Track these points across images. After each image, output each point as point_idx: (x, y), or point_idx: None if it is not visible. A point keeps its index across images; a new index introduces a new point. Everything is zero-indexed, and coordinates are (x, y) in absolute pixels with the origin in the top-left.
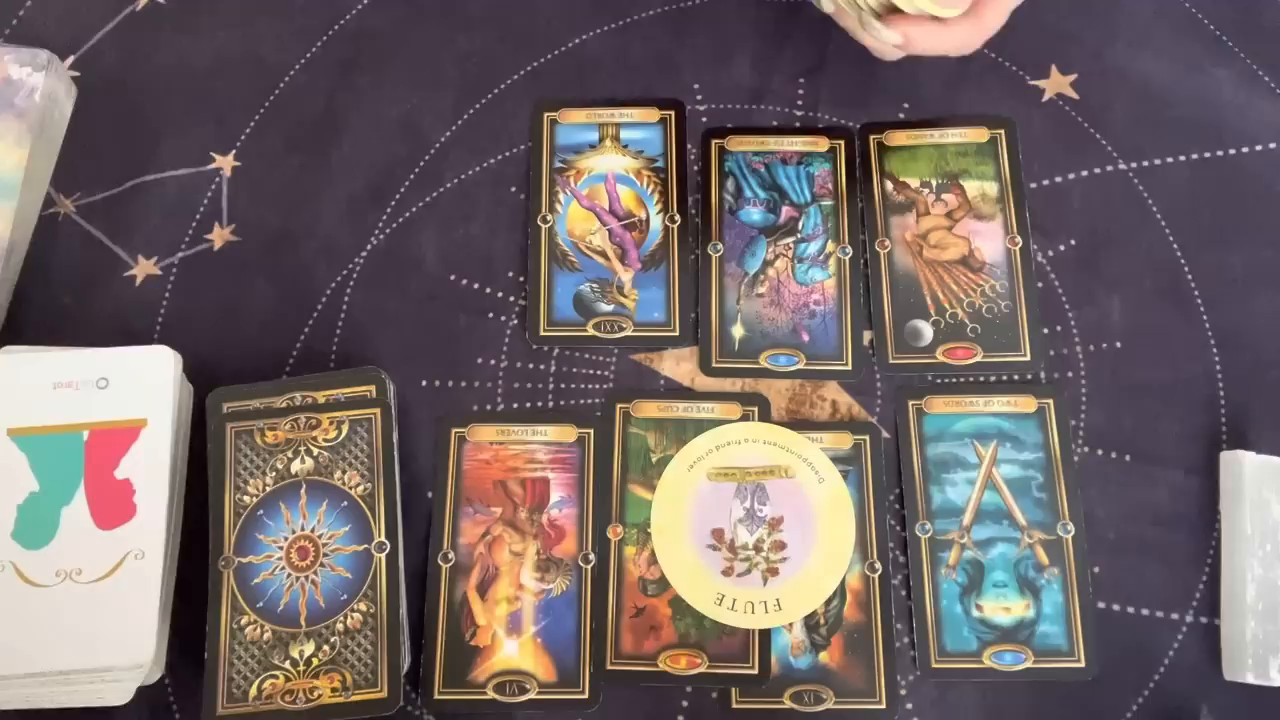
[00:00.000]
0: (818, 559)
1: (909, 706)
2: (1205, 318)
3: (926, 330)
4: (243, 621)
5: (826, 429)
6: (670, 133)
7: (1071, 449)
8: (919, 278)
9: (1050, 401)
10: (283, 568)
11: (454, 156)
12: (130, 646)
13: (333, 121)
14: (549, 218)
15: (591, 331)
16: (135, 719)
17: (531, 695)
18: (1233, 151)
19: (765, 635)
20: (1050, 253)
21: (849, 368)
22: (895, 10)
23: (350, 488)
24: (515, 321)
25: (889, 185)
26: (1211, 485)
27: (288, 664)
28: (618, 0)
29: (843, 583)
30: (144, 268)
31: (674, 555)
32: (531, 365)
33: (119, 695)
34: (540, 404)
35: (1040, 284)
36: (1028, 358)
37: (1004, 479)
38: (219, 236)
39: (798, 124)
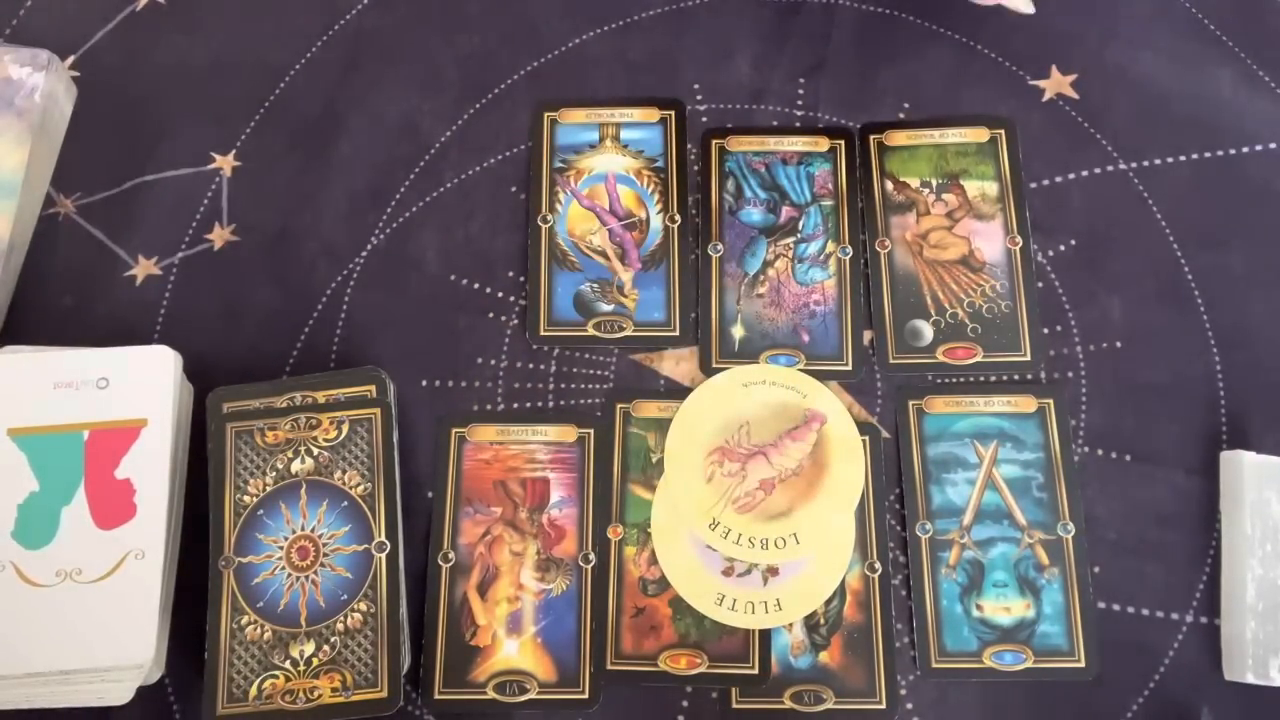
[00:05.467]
0: (818, 559)
1: (909, 706)
2: (1205, 318)
3: (927, 330)
4: (243, 621)
5: None
6: (670, 133)
7: (1071, 449)
8: (919, 278)
9: (1050, 401)
10: (283, 568)
11: (454, 156)
12: (130, 646)
13: (333, 121)
14: (549, 218)
15: (591, 331)
16: (135, 719)
17: (531, 695)
18: (1233, 151)
19: (765, 635)
20: (1050, 253)
21: (849, 368)
22: None
23: (350, 488)
24: (515, 321)
25: (889, 185)
26: (1211, 485)
27: (288, 664)
28: (618, 0)
29: (843, 583)
30: (144, 268)
31: (674, 555)
32: (531, 365)
33: (119, 695)
34: (540, 404)
35: (1040, 284)
36: (1028, 358)
37: (1004, 479)
38: (219, 236)
39: (798, 124)
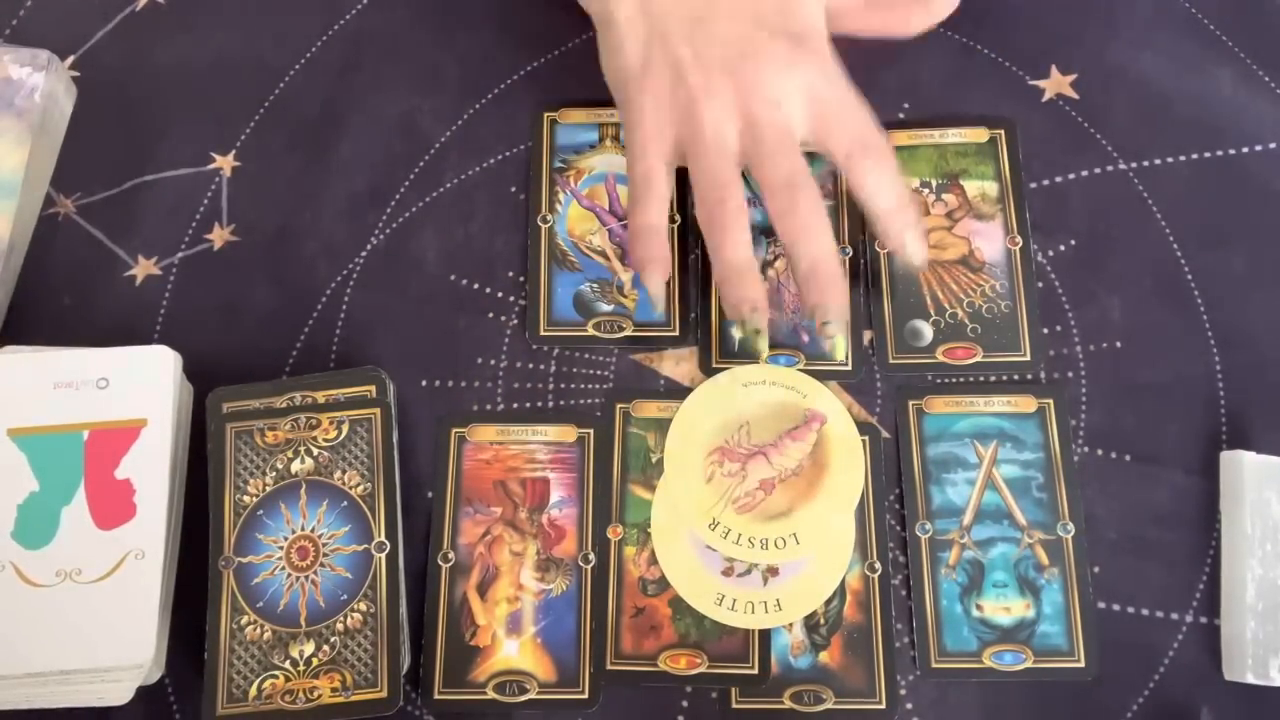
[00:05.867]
0: (818, 559)
1: (909, 706)
2: (1205, 318)
3: (926, 330)
4: (243, 621)
5: None
6: None
7: (1071, 449)
8: (919, 278)
9: (1050, 401)
10: (283, 568)
11: (454, 156)
12: (130, 646)
13: (333, 121)
14: (549, 218)
15: (591, 331)
16: (135, 719)
17: (531, 695)
18: (1233, 151)
19: (765, 635)
20: (1050, 253)
21: (849, 368)
22: None
23: (350, 488)
24: (515, 321)
25: None
26: (1211, 485)
27: (288, 664)
28: None
29: (843, 583)
30: (144, 268)
31: (674, 555)
32: (531, 365)
33: (119, 695)
34: (540, 404)
35: (1040, 284)
36: (1028, 358)
37: (1004, 479)
38: (219, 236)
39: None
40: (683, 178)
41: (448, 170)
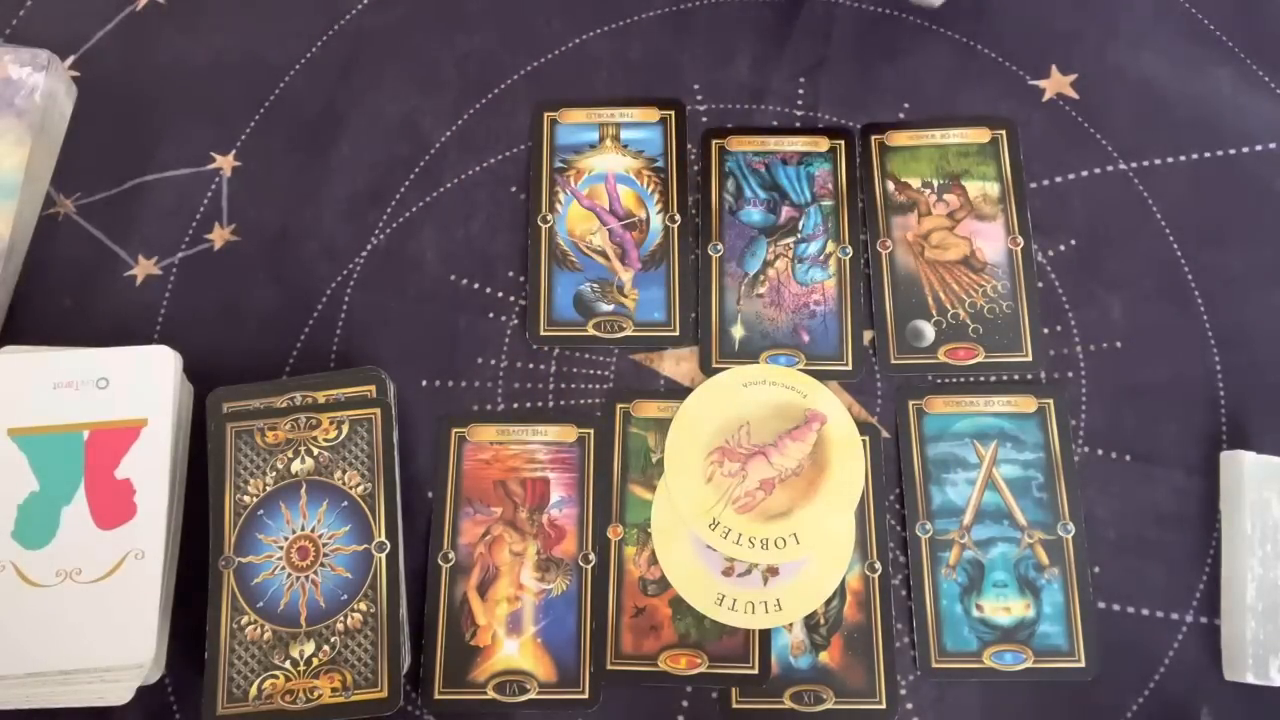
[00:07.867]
0: (818, 559)
1: (909, 706)
2: (1205, 318)
3: (928, 331)
4: (243, 621)
5: None
6: (670, 133)
7: (1071, 449)
8: (920, 278)
9: (1050, 401)
10: (283, 568)
11: (454, 156)
12: (130, 646)
13: (333, 121)
14: (549, 218)
15: (591, 331)
16: (135, 719)
17: (531, 695)
18: (1233, 151)
19: (765, 635)
20: (1050, 253)
21: (849, 368)
22: None
23: (350, 488)
24: (515, 321)
25: (890, 186)
26: (1211, 485)
27: (288, 664)
28: (618, 0)
29: (843, 583)
30: (144, 268)
31: (674, 555)
32: (531, 365)
33: (119, 695)
34: (540, 404)
35: (1040, 284)
36: (1029, 358)
37: (1004, 479)
38: (219, 236)
39: (798, 124)
40: (681, 176)
41: (448, 170)
